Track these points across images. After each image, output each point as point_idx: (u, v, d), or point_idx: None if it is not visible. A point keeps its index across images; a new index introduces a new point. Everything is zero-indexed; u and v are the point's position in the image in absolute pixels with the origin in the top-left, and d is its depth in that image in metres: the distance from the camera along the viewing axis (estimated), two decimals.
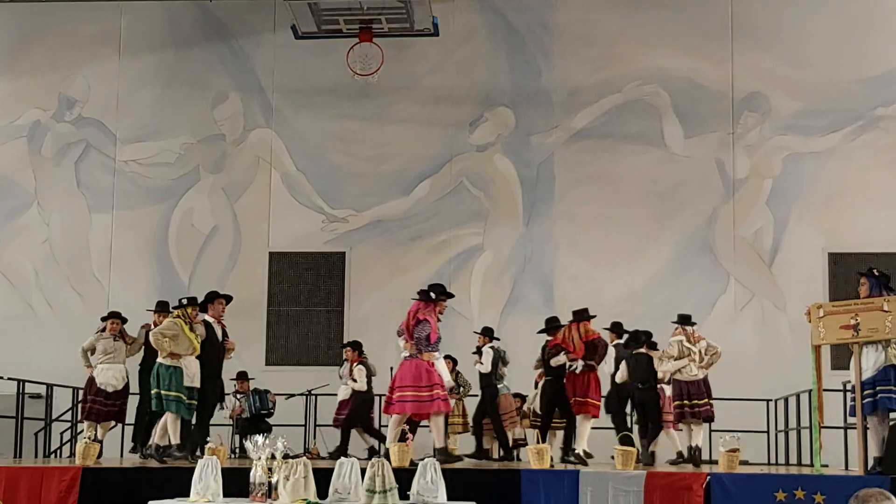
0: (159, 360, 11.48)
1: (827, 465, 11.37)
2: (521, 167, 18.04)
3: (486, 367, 13.99)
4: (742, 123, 17.77)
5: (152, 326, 12.69)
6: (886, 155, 17.50)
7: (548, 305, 17.44)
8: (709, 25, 17.83)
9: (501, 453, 14.19)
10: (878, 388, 9.91)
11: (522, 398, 15.14)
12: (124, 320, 13.16)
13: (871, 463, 10.05)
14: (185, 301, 11.87)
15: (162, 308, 13.02)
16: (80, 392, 13.62)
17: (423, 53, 18.05)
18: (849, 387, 11.08)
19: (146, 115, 18.54)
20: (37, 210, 18.48)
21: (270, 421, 14.96)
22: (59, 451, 15.70)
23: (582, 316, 12.42)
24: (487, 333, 14.45)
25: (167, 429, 11.45)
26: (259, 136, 18.45)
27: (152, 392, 11.46)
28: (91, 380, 12.84)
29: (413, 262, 17.91)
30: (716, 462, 11.99)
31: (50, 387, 15.26)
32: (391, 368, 15.47)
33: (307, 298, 17.98)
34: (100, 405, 12.80)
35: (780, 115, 17.74)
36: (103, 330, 13.01)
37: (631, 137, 17.88)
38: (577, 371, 12.22)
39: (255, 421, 14.73)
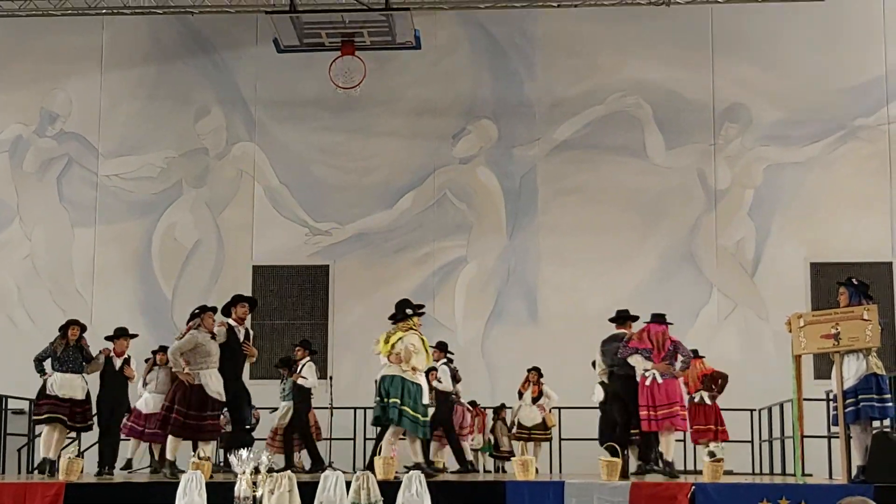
0: (402, 374, 10.74)
1: (811, 475, 11.41)
2: (504, 179, 18.08)
3: (311, 382, 13.91)
4: (723, 134, 17.86)
5: (233, 323, 11.64)
6: (867, 165, 17.61)
7: (532, 316, 17.51)
8: (690, 37, 17.91)
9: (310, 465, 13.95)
10: (860, 396, 9.95)
11: (507, 408, 15.14)
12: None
13: (854, 471, 10.09)
14: (409, 311, 11.06)
15: (241, 300, 11.74)
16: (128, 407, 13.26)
17: (405, 66, 18.08)
18: (831, 396, 11.12)
19: (128, 129, 18.51)
20: (19, 225, 18.42)
21: (255, 435, 14.89)
22: (44, 466, 15.58)
23: (696, 354, 13.19)
24: (306, 346, 14.33)
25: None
26: (242, 149, 18.45)
27: (389, 401, 10.68)
28: (195, 389, 11.06)
29: (397, 275, 17.91)
30: (700, 472, 12.02)
31: (32, 402, 15.15)
32: (376, 381, 15.52)
33: (291, 311, 17.95)
34: (210, 419, 11.20)
35: (760, 126, 17.84)
36: (198, 327, 11.28)
37: (613, 149, 17.94)
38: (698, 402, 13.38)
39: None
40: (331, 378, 16.20)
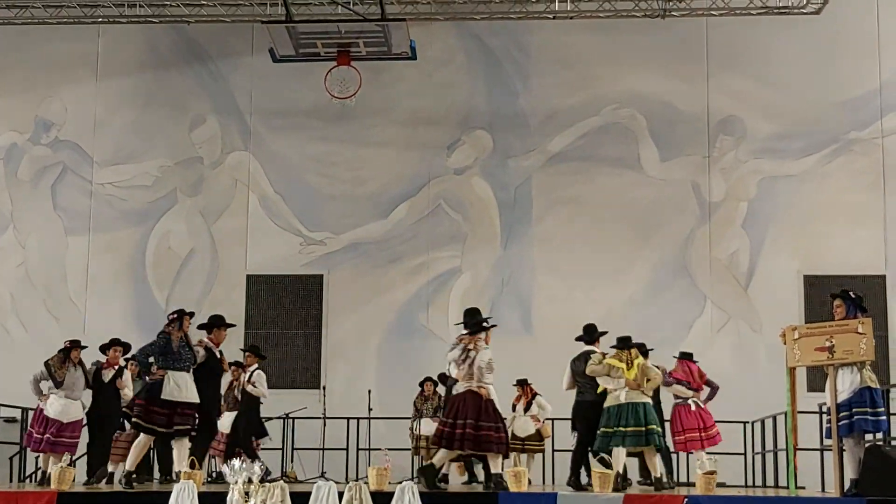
0: (644, 399, 11.27)
1: (804, 487, 11.41)
2: (499, 190, 18.10)
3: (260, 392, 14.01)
4: (718, 147, 17.89)
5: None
6: (861, 178, 17.65)
7: (526, 328, 17.51)
8: (685, 50, 17.96)
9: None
10: (854, 409, 9.95)
11: None
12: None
13: (847, 485, 10.09)
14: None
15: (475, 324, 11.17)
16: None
17: (400, 77, 18.10)
18: (824, 409, 11.13)
19: (123, 137, 18.50)
20: (13, 233, 18.40)
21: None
22: (34, 476, 15.56)
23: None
24: (255, 352, 14.40)
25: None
26: (237, 158, 18.45)
27: (649, 427, 11.21)
28: (490, 404, 10.90)
29: (391, 285, 17.91)
30: (693, 484, 12.02)
31: (25, 411, 15.14)
32: (369, 391, 15.54)
33: (285, 321, 17.93)
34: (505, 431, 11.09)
35: (755, 139, 17.87)
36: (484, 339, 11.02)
37: (608, 160, 17.97)
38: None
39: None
40: (324, 388, 16.21)
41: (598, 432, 11.40)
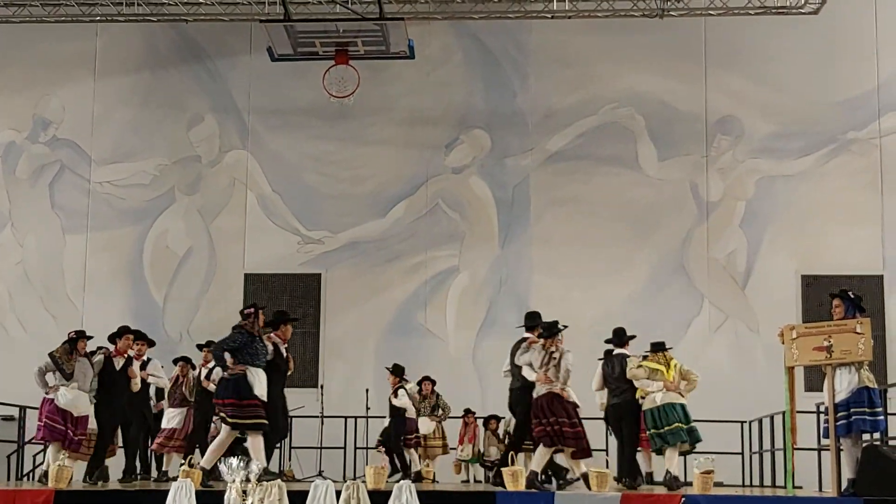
0: (683, 400, 11.43)
1: (801, 487, 11.42)
2: (497, 189, 18.11)
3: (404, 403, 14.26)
4: (715, 146, 17.91)
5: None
6: (858, 178, 17.66)
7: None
8: (683, 49, 17.96)
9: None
10: (852, 409, 9.96)
11: (497, 419, 15.16)
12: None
13: (844, 485, 10.10)
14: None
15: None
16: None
17: (399, 76, 18.10)
18: (822, 408, 11.14)
19: (121, 136, 18.50)
20: (11, 231, 18.39)
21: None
22: (31, 474, 15.56)
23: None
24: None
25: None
26: (235, 157, 18.45)
27: (692, 424, 11.37)
28: (571, 402, 11.27)
29: (389, 284, 17.92)
30: (690, 484, 12.03)
31: (23, 409, 15.14)
32: (367, 390, 15.53)
33: None
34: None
35: (753, 138, 17.89)
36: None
37: (606, 160, 17.97)
38: None
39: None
40: (322, 387, 16.22)
41: (652, 433, 11.41)
